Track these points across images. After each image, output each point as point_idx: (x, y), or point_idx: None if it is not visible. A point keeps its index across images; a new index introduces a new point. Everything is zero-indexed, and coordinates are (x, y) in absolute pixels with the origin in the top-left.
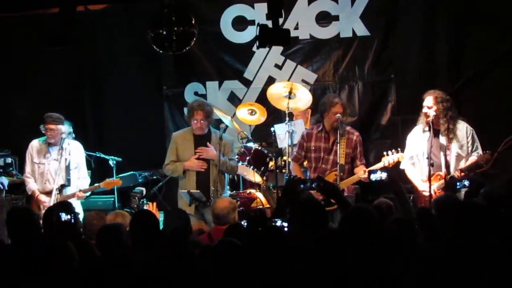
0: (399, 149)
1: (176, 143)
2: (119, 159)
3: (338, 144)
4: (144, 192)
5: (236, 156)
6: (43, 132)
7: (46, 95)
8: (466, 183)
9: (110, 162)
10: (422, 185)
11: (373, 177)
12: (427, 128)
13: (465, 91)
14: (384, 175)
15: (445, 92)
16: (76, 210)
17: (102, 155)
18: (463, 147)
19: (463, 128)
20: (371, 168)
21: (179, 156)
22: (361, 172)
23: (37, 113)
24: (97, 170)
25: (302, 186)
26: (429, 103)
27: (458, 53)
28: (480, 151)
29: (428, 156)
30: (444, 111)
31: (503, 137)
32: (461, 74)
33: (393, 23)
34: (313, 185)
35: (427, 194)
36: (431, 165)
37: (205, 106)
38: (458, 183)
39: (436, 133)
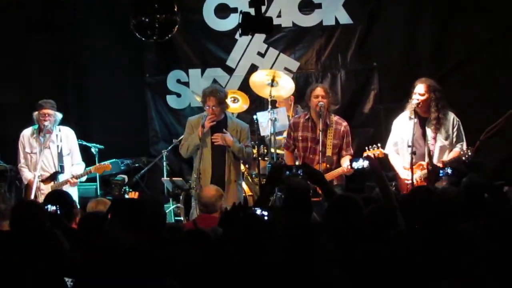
0: (379, 144)
1: (192, 127)
2: (101, 146)
3: (321, 133)
4: (126, 180)
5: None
6: (38, 119)
7: (27, 82)
8: (449, 171)
9: (92, 150)
10: (403, 173)
11: (355, 165)
12: (413, 116)
13: (448, 79)
14: (366, 164)
15: (436, 81)
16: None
17: (84, 143)
18: (448, 138)
19: (450, 118)
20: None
21: None
22: (343, 165)
23: (18, 100)
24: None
25: (287, 172)
26: (421, 90)
27: (441, 42)
28: (464, 143)
29: (412, 144)
30: (435, 100)
31: (485, 126)
32: (444, 62)
33: (376, 11)
34: (299, 172)
35: (408, 182)
36: (413, 153)
37: (218, 93)
38: (441, 172)
39: (422, 122)
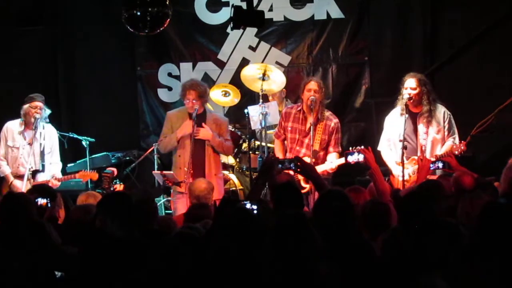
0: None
1: (171, 121)
2: (92, 139)
3: (312, 127)
4: (116, 173)
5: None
6: (28, 112)
7: (18, 75)
8: (440, 165)
9: (83, 143)
10: (396, 169)
11: (351, 159)
12: (404, 111)
13: (439, 74)
14: (361, 157)
15: (425, 76)
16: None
17: (75, 136)
18: (440, 131)
19: (441, 112)
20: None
21: None
22: (328, 162)
23: (11, 94)
24: (70, 151)
25: (279, 166)
26: (413, 84)
27: (432, 36)
28: (456, 136)
29: (403, 139)
30: (427, 93)
31: (477, 120)
32: (436, 56)
33: (367, 6)
34: (291, 165)
35: (400, 178)
36: (404, 148)
37: (198, 86)
38: (431, 165)
39: (413, 116)
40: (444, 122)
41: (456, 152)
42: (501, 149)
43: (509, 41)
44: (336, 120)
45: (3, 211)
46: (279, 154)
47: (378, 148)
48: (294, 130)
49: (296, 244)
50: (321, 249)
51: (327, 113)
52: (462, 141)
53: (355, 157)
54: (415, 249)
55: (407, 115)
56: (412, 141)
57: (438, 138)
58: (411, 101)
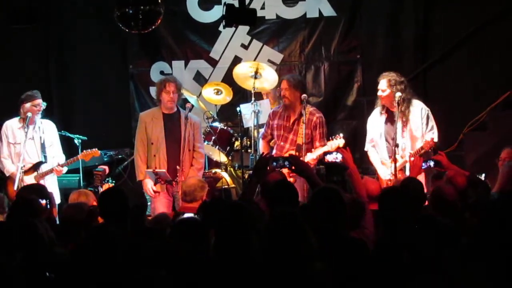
0: (341, 134)
1: (144, 122)
2: (84, 138)
3: (295, 122)
4: (107, 171)
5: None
6: (31, 109)
7: (10, 73)
8: (431, 164)
9: (76, 141)
10: (380, 169)
11: (329, 157)
12: (384, 111)
13: (431, 72)
14: (339, 156)
15: (399, 74)
16: (52, 188)
17: (68, 134)
18: (418, 128)
19: (417, 108)
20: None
21: (148, 135)
22: (311, 155)
23: (3, 92)
24: (63, 149)
25: (274, 163)
26: (383, 86)
27: (424, 35)
28: (435, 130)
29: (393, 137)
30: (398, 93)
31: (468, 119)
32: (428, 55)
33: (359, 4)
34: (285, 163)
35: (385, 178)
36: (396, 146)
37: (177, 79)
38: (423, 164)
39: (391, 116)
40: (421, 118)
41: (430, 150)
42: (491, 147)
43: (500, 39)
44: (318, 114)
45: (13, 212)
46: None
47: (365, 149)
48: (279, 127)
49: (290, 242)
50: (315, 247)
51: (311, 109)
52: (431, 138)
53: (333, 156)
54: (410, 247)
55: (385, 114)
56: (392, 139)
57: (417, 134)
58: (383, 102)
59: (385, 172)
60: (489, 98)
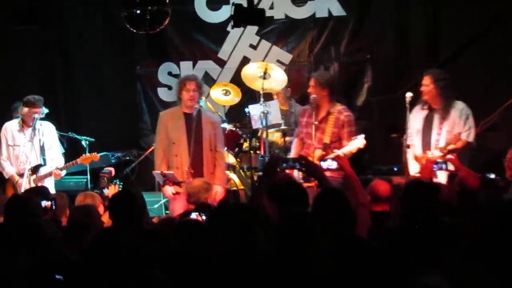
0: (363, 135)
1: (165, 122)
2: (92, 139)
3: (322, 121)
4: (113, 173)
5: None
6: (27, 115)
7: (15, 75)
8: (443, 166)
9: (83, 143)
10: (411, 164)
11: (324, 165)
12: (425, 106)
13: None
14: (334, 164)
15: (443, 72)
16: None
17: (75, 135)
18: (455, 127)
19: (458, 108)
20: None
21: (169, 135)
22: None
23: (9, 94)
24: (70, 151)
25: (284, 164)
26: (425, 82)
27: (435, 33)
28: (471, 132)
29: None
30: (440, 90)
31: (479, 119)
32: (438, 54)
33: (369, 3)
34: (295, 164)
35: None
36: (407, 146)
37: (198, 78)
38: (435, 166)
39: (432, 112)
40: (460, 118)
41: (453, 144)
42: (503, 147)
43: None
44: (347, 113)
45: (9, 212)
46: (292, 151)
47: (407, 143)
48: (307, 125)
49: (299, 246)
50: (325, 249)
51: (339, 107)
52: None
53: (328, 164)
54: (416, 247)
55: (426, 110)
56: (428, 136)
57: (453, 133)
58: (425, 97)
59: (414, 168)
60: (501, 98)
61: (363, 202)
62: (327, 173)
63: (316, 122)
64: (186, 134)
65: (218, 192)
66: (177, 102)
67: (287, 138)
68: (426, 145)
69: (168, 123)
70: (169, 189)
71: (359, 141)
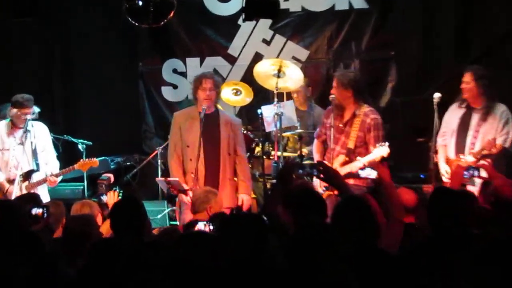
0: (387, 143)
1: (179, 123)
2: (89, 143)
3: (347, 123)
4: (112, 179)
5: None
6: (17, 116)
7: (11, 71)
8: (475, 172)
9: (79, 146)
10: (443, 167)
11: (363, 174)
12: (463, 105)
13: None
14: (373, 174)
15: (486, 69)
16: (43, 199)
17: (71, 138)
18: (492, 129)
19: (499, 110)
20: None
21: (183, 138)
22: (356, 163)
23: (4, 91)
24: (65, 155)
25: (300, 171)
26: (466, 78)
27: (465, 28)
28: (509, 137)
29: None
30: (482, 89)
31: None
32: (468, 52)
33: None
34: (313, 170)
35: (445, 180)
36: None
37: (215, 76)
38: (465, 172)
39: (469, 111)
40: (499, 120)
41: (487, 150)
42: None
43: None
44: (373, 116)
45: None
46: (316, 155)
47: (438, 143)
48: (331, 127)
49: (314, 253)
50: (339, 255)
51: (366, 109)
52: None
53: (367, 172)
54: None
55: (464, 109)
56: (463, 137)
57: (489, 137)
58: (465, 95)
59: (445, 172)
60: None
61: (398, 218)
62: (351, 181)
63: (341, 125)
64: (201, 137)
65: (244, 200)
66: (193, 102)
67: (304, 149)
68: (459, 148)
69: (182, 125)
70: (185, 197)
71: (383, 149)
